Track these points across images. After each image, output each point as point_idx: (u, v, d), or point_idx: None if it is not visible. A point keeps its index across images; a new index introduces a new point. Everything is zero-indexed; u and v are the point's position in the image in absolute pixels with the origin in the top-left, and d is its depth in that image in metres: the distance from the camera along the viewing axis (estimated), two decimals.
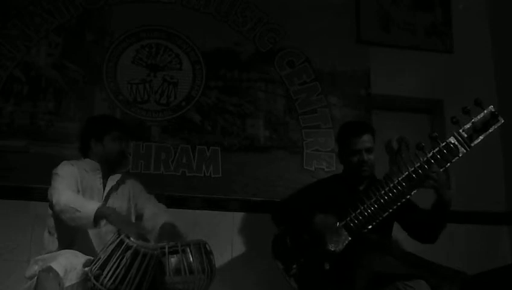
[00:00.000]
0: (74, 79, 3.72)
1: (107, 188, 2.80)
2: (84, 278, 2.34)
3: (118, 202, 2.82)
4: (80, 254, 2.51)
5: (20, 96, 3.62)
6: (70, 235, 2.62)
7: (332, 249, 2.69)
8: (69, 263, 2.39)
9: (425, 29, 4.32)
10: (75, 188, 2.66)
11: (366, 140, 2.87)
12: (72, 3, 3.81)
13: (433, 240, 2.82)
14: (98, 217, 2.46)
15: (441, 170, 2.65)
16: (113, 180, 2.83)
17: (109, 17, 3.85)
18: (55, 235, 2.69)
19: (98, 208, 2.47)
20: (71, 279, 2.35)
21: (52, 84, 3.68)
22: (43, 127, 3.60)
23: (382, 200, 2.65)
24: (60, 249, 2.61)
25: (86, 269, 2.37)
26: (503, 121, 2.64)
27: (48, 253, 2.64)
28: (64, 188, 2.59)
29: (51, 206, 2.62)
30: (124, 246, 2.30)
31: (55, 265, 2.36)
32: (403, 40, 4.27)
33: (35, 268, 2.53)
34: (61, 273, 2.33)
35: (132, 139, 3.09)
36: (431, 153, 2.63)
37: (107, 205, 2.71)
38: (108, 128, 2.82)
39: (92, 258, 2.42)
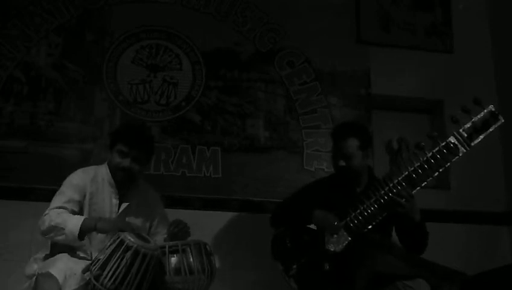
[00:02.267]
0: (74, 79, 3.72)
1: (123, 206, 2.70)
2: (84, 284, 2.34)
3: (132, 219, 2.72)
4: (78, 260, 2.49)
5: (20, 96, 3.62)
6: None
7: (332, 250, 2.69)
8: (69, 269, 2.37)
9: (425, 29, 4.33)
10: (68, 201, 2.58)
11: (345, 146, 2.82)
12: (72, 3, 3.81)
13: (419, 252, 2.79)
14: (83, 232, 2.45)
15: (441, 170, 2.64)
16: (126, 203, 2.72)
17: (109, 17, 3.85)
18: (49, 242, 2.68)
19: (82, 223, 2.45)
20: (70, 285, 2.33)
21: (52, 85, 3.68)
22: (43, 127, 3.60)
23: (382, 200, 2.64)
24: (55, 252, 2.58)
25: (86, 274, 2.35)
26: (503, 121, 2.63)
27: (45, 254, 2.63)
28: (53, 205, 2.55)
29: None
30: (124, 246, 2.30)
31: (54, 271, 2.34)
32: (403, 40, 4.28)
33: (34, 267, 2.52)
34: (60, 280, 2.31)
35: (147, 158, 2.74)
36: (431, 153, 2.62)
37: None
38: (115, 140, 2.69)
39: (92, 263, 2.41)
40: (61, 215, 2.51)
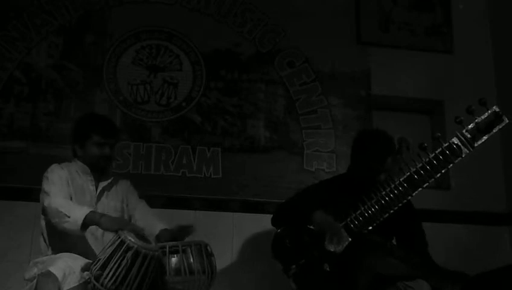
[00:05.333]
0: (74, 80, 3.72)
1: (99, 189, 2.80)
2: (84, 282, 2.34)
3: (112, 202, 2.82)
4: (79, 257, 2.50)
5: (20, 97, 3.62)
6: (64, 238, 2.60)
7: (332, 250, 2.69)
8: (68, 267, 2.37)
9: (425, 30, 4.33)
10: (66, 192, 2.66)
11: (389, 163, 2.83)
12: (72, 4, 3.81)
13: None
14: (86, 224, 2.47)
15: (443, 171, 2.63)
16: (104, 181, 2.84)
17: (109, 18, 3.85)
18: (48, 239, 2.70)
19: (87, 215, 2.46)
20: (70, 283, 2.34)
21: (52, 85, 3.68)
22: (43, 128, 3.60)
23: (383, 201, 2.63)
24: (56, 252, 2.60)
25: (85, 273, 2.35)
26: (507, 122, 2.60)
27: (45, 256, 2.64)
28: (55, 192, 2.60)
29: (43, 210, 2.64)
30: (124, 246, 2.30)
31: (53, 269, 2.34)
32: (403, 41, 4.28)
33: (34, 271, 2.53)
34: (60, 278, 2.32)
35: (118, 140, 2.96)
36: (433, 154, 2.60)
37: (98, 207, 2.73)
38: (88, 134, 2.78)
39: (91, 261, 2.41)
40: (68, 203, 2.57)
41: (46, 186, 2.66)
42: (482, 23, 4.44)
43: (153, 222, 2.84)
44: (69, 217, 2.47)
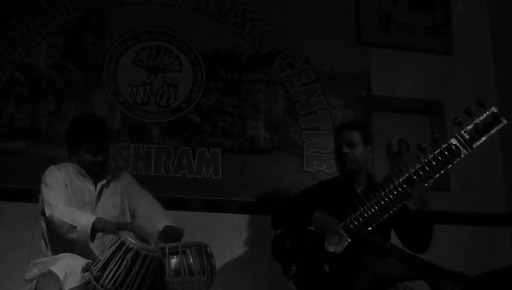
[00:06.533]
0: (74, 80, 3.72)
1: (98, 188, 2.81)
2: (85, 282, 2.34)
3: (110, 198, 2.83)
4: (79, 257, 2.50)
5: (20, 97, 3.62)
6: (64, 239, 2.60)
7: (332, 251, 2.69)
8: (69, 267, 2.38)
9: (425, 30, 4.33)
10: (66, 196, 2.66)
11: (349, 134, 2.92)
12: (72, 4, 3.81)
13: (422, 249, 2.80)
14: (94, 232, 2.49)
15: (442, 172, 2.64)
16: (103, 180, 2.84)
17: (109, 18, 3.85)
18: (48, 240, 2.71)
19: (93, 223, 2.48)
20: (71, 283, 2.34)
21: (52, 86, 3.68)
22: (43, 129, 3.60)
23: (382, 202, 2.64)
24: (56, 253, 2.60)
25: (85, 274, 2.36)
26: (506, 122, 2.61)
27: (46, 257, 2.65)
28: (56, 200, 2.60)
29: (43, 213, 2.64)
30: (124, 248, 2.30)
31: (55, 269, 2.35)
32: (403, 41, 4.28)
33: (34, 271, 2.53)
34: (61, 277, 2.32)
35: (112, 142, 3.00)
36: (432, 155, 2.61)
37: (98, 207, 2.75)
38: (78, 143, 2.78)
39: (92, 261, 2.42)
40: (71, 211, 2.56)
41: (45, 193, 2.66)
42: (482, 23, 4.44)
43: (157, 217, 2.85)
44: (75, 227, 2.48)
